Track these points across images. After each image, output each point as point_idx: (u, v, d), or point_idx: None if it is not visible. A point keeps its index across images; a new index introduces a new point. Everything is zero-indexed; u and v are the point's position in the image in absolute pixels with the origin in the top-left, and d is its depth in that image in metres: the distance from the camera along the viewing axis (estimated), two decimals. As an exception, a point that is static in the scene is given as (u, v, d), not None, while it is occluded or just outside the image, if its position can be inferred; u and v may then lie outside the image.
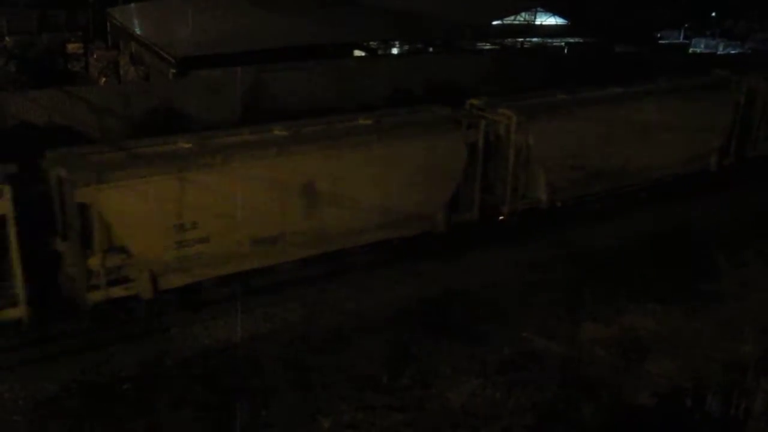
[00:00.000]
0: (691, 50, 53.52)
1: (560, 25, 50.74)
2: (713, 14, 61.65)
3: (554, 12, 50.19)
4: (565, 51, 44.76)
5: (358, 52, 40.05)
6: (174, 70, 31.67)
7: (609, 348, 16.78)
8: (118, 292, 16.23)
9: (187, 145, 16.98)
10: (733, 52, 55.63)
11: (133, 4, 49.19)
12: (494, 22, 47.95)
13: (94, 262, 15.74)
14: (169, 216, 16.13)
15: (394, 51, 43.56)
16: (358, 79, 31.29)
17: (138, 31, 40.46)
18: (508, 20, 48.65)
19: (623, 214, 24.17)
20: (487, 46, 44.56)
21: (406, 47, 43.63)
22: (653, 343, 17.08)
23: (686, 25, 58.78)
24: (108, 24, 48.35)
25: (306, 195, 17.83)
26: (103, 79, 39.28)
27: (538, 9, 49.61)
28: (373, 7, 47.02)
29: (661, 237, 22.71)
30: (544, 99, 22.95)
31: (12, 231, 14.70)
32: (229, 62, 29.43)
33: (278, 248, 17.85)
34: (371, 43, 41.79)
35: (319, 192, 17.93)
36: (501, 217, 21.79)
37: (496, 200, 21.51)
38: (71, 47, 44.90)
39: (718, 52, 55.17)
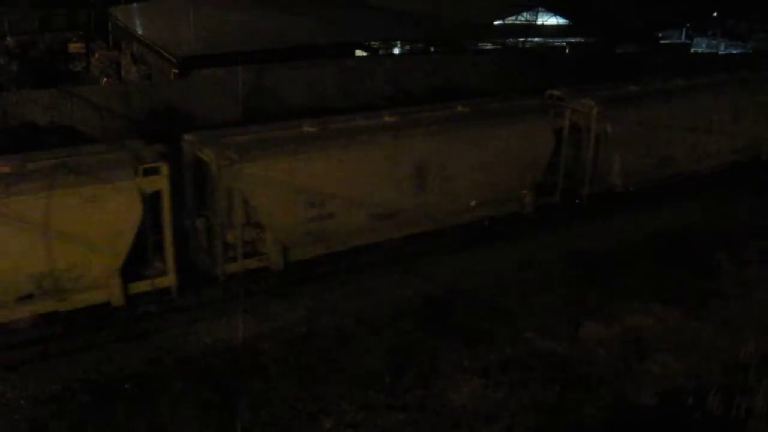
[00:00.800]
0: (692, 50, 53.47)
1: (562, 25, 50.73)
2: (715, 14, 61.60)
3: (556, 12, 50.17)
4: (567, 51, 44.73)
5: (359, 52, 40.05)
6: (175, 70, 31.69)
7: (610, 348, 16.78)
8: (252, 263, 17.71)
9: (311, 129, 18.48)
10: (734, 52, 55.59)
11: (134, 4, 49.23)
12: (496, 22, 47.95)
13: (232, 236, 17.12)
14: (301, 194, 17.57)
15: (396, 51, 43.57)
16: (360, 78, 31.29)
17: (139, 30, 40.48)
18: (510, 20, 48.64)
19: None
20: (489, 46, 44.56)
21: (408, 47, 43.62)
22: (654, 342, 17.11)
23: (688, 25, 58.73)
24: (109, 24, 48.37)
25: (417, 175, 19.36)
26: (105, 79, 39.27)
27: (540, 9, 49.60)
28: (375, 6, 47.02)
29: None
30: (618, 90, 24.58)
31: (167, 206, 16.11)
32: (231, 62, 29.41)
33: (392, 225, 19.51)
34: (373, 42, 41.78)
35: (428, 172, 19.49)
36: (577, 201, 23.22)
37: (575, 184, 23.04)
38: (73, 47, 44.90)
39: (720, 52, 55.13)
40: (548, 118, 21.73)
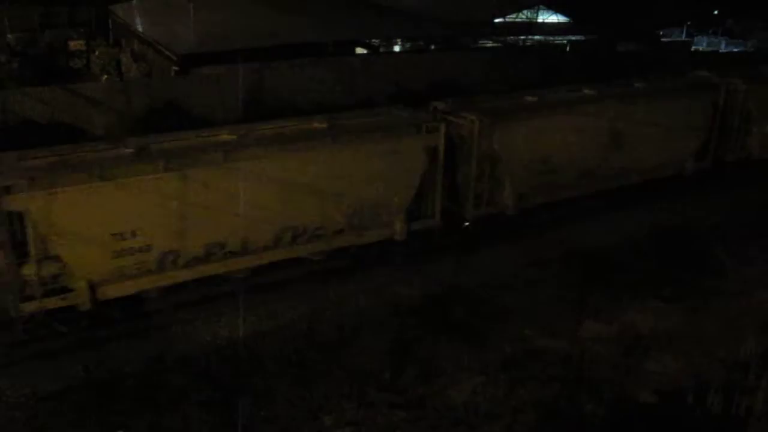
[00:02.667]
0: (693, 48, 53.43)
1: (562, 23, 50.71)
2: (715, 12, 61.57)
3: (556, 10, 50.14)
4: (567, 49, 44.69)
5: (360, 50, 40.05)
6: (176, 68, 31.69)
7: (610, 346, 16.78)
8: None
9: (532, 99, 22.61)
10: (735, 50, 55.55)
11: (135, 1, 49.18)
12: (496, 20, 47.92)
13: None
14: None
15: (397, 49, 43.56)
16: (361, 76, 31.30)
17: (140, 28, 40.47)
18: (510, 18, 48.60)
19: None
20: (489, 44, 44.56)
21: (408, 45, 43.62)
22: (654, 340, 17.11)
23: (688, 23, 58.68)
24: (110, 21, 48.38)
25: (612, 138, 23.32)
26: (105, 77, 39.28)
27: (540, 7, 49.58)
28: (376, 5, 47.00)
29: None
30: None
31: (440, 163, 19.50)
32: (231, 60, 29.44)
33: (593, 181, 23.32)
34: (373, 40, 41.78)
35: (620, 136, 23.44)
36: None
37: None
38: (73, 44, 44.88)
39: (720, 50, 55.10)
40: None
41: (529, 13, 49.22)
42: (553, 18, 50.56)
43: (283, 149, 17.55)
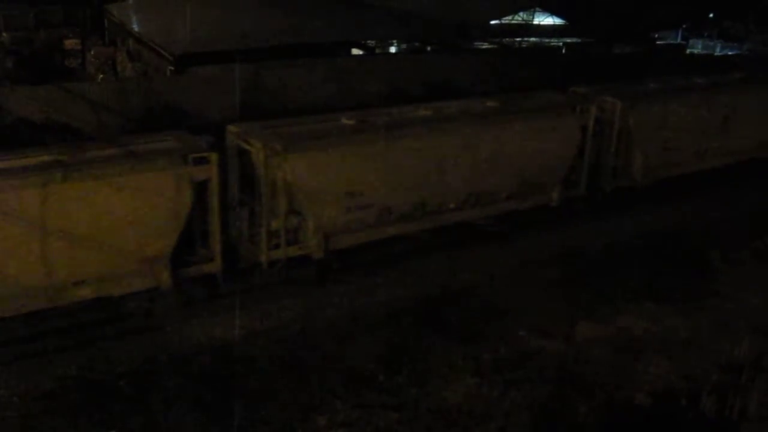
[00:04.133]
0: (688, 51, 53.51)
1: (558, 25, 50.72)
2: (711, 15, 61.69)
3: (552, 12, 50.16)
4: (563, 51, 44.73)
5: (356, 51, 40.01)
6: (172, 67, 31.64)
7: (604, 347, 16.80)
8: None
9: (656, 86, 25.92)
10: (730, 53, 55.65)
11: (130, 0, 49.08)
12: (492, 22, 47.94)
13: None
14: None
15: (392, 50, 43.54)
16: (356, 77, 31.28)
17: (136, 27, 40.39)
18: (506, 20, 48.62)
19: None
20: (485, 46, 44.55)
21: (404, 46, 43.61)
22: (648, 342, 17.14)
23: (684, 26, 58.75)
24: (105, 20, 48.23)
25: (722, 122, 26.06)
26: (101, 76, 39.15)
27: (536, 9, 49.60)
28: (372, 5, 46.98)
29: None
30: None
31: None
32: (227, 59, 29.39)
33: (703, 159, 26.02)
34: (369, 41, 41.76)
35: (728, 120, 26.14)
36: None
37: None
38: (68, 43, 44.74)
39: (716, 53, 55.20)
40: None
41: (525, 15, 49.25)
42: (549, 20, 50.57)
43: (474, 123, 20.46)
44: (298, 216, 18.05)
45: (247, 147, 17.71)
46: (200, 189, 16.63)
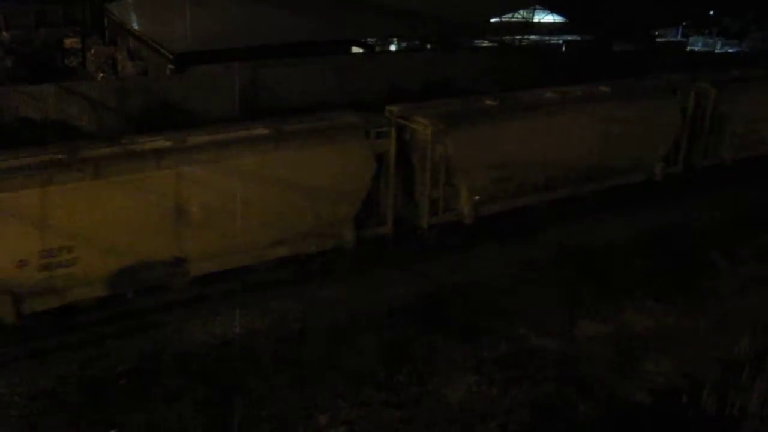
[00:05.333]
0: (688, 48, 53.48)
1: (558, 23, 50.71)
2: (711, 13, 61.69)
3: (552, 9, 50.14)
4: (563, 49, 44.71)
5: (355, 49, 40.01)
6: (172, 66, 31.62)
7: (605, 345, 16.80)
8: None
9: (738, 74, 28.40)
10: (730, 50, 55.63)
11: None
12: (492, 20, 47.91)
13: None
14: None
15: (392, 48, 43.53)
16: (356, 75, 31.24)
17: (136, 26, 40.39)
18: (506, 18, 48.60)
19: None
20: (485, 44, 44.53)
21: (404, 44, 43.61)
22: (649, 340, 17.13)
23: (684, 24, 58.74)
24: (105, 19, 48.25)
25: None
26: (101, 75, 39.17)
27: (536, 6, 49.57)
28: (371, 4, 46.97)
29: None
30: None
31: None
32: (227, 58, 29.38)
33: None
34: (369, 40, 41.74)
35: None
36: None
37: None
38: (68, 42, 44.79)
39: (716, 51, 55.18)
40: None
41: (525, 13, 49.22)
42: (549, 18, 50.56)
43: (594, 107, 23.08)
44: (453, 186, 20.42)
45: (411, 125, 19.97)
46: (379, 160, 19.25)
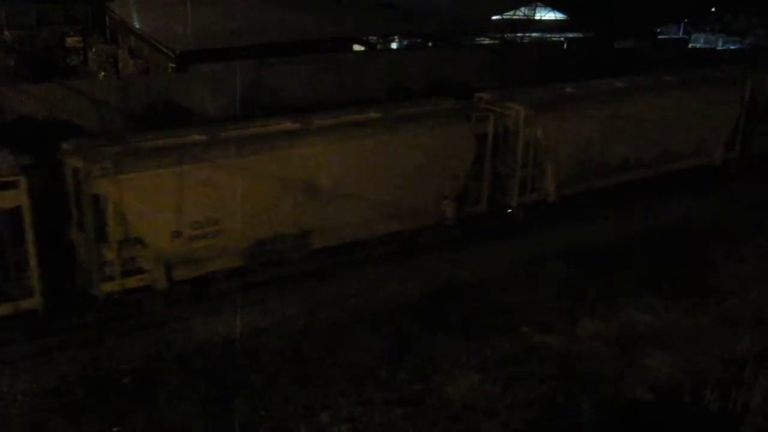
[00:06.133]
0: (690, 45, 53.41)
1: (559, 20, 50.68)
2: (713, 9, 61.59)
3: (554, 7, 50.10)
4: (565, 46, 44.66)
5: (357, 47, 39.97)
6: (173, 65, 31.61)
7: (607, 343, 16.80)
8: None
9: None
10: (732, 47, 55.54)
11: (132, -2, 49.05)
12: (493, 17, 47.89)
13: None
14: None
15: (394, 46, 43.48)
16: (358, 73, 31.25)
17: (137, 25, 40.36)
18: (508, 15, 48.57)
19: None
20: (486, 41, 44.49)
21: (406, 42, 43.55)
22: (651, 337, 17.13)
23: (686, 20, 58.67)
24: (107, 18, 48.23)
25: None
26: (102, 73, 39.17)
27: (538, 4, 49.55)
28: (373, 1, 46.94)
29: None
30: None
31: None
32: (229, 56, 29.37)
33: None
34: (371, 37, 41.69)
35: None
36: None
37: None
38: (70, 41, 44.75)
39: (718, 47, 55.09)
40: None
41: (526, 10, 49.19)
42: (550, 15, 50.54)
43: (662, 95, 25.07)
44: (539, 167, 21.95)
45: (504, 110, 21.38)
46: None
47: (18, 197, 14.92)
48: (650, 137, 24.61)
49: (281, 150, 17.60)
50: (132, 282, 16.50)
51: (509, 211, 22.14)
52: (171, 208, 16.23)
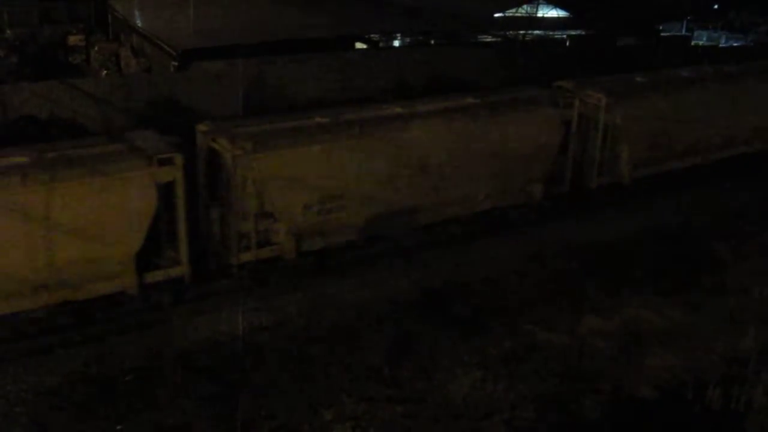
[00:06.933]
0: (693, 43, 53.30)
1: (562, 18, 50.56)
2: (715, 6, 61.48)
3: (556, 4, 50.00)
4: (567, 44, 44.60)
5: (359, 45, 39.94)
6: (175, 63, 31.62)
7: (610, 340, 16.79)
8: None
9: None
10: (735, 44, 55.43)
11: (134, -4, 49.04)
12: (496, 15, 47.83)
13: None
14: None
15: (396, 43, 43.44)
16: (361, 71, 31.25)
17: (139, 23, 40.37)
18: (510, 13, 48.49)
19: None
20: (489, 39, 44.43)
21: (408, 40, 43.51)
22: (654, 335, 17.12)
23: (688, 18, 58.53)
24: (109, 16, 48.22)
25: None
26: (105, 72, 39.16)
27: (540, 1, 49.44)
28: (375, -1, 46.93)
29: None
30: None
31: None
32: (231, 55, 29.37)
33: None
34: (373, 35, 41.66)
35: None
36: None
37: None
38: (72, 40, 44.71)
39: (721, 45, 54.98)
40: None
41: (528, 8, 49.08)
42: (552, 13, 50.39)
43: (727, 84, 26.80)
44: (614, 152, 23.59)
45: (585, 98, 22.93)
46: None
47: (173, 173, 16.30)
48: (715, 124, 26.18)
49: (396, 132, 19.33)
50: (265, 252, 18.12)
51: (586, 191, 23.86)
52: (303, 184, 17.92)
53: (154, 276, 16.74)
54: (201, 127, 18.08)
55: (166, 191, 16.36)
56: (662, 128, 24.69)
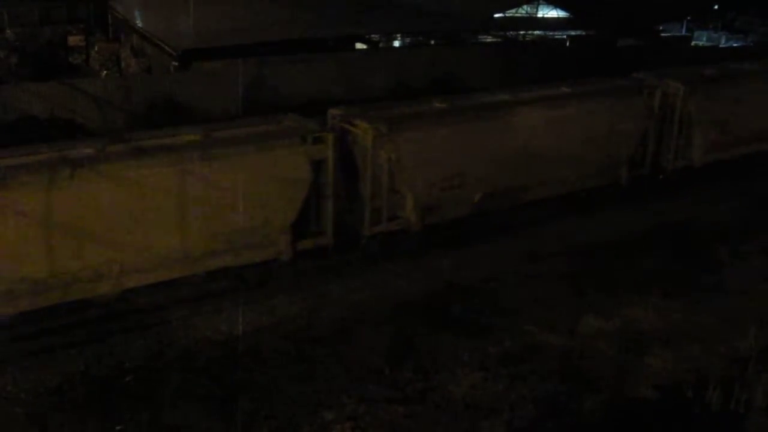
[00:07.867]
0: (693, 43, 53.28)
1: (562, 18, 50.55)
2: (716, 7, 61.43)
3: (556, 5, 50.00)
4: (567, 44, 44.61)
5: (359, 45, 39.94)
6: (175, 63, 31.64)
7: (610, 341, 16.78)
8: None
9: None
10: (735, 45, 55.41)
11: (134, -4, 49.02)
12: (496, 15, 47.83)
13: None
14: None
15: (396, 44, 43.44)
16: (360, 72, 31.26)
17: (139, 23, 40.37)
18: (510, 13, 48.50)
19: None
20: (489, 39, 44.44)
21: (408, 40, 43.51)
22: (654, 336, 17.12)
23: (688, 18, 58.49)
24: (109, 16, 48.22)
25: None
26: (105, 72, 39.19)
27: (540, 1, 49.44)
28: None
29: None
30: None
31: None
32: (231, 55, 29.40)
33: None
34: (373, 36, 41.66)
35: None
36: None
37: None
38: (72, 40, 44.72)
39: (721, 45, 54.96)
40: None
41: (528, 8, 49.08)
42: (552, 13, 50.39)
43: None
44: (686, 138, 25.20)
45: (664, 88, 24.41)
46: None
47: (325, 151, 18.09)
48: None
49: (506, 116, 21.26)
50: (394, 225, 19.84)
51: (662, 175, 25.52)
52: (431, 162, 19.69)
53: (304, 244, 18.38)
54: (334, 111, 19.82)
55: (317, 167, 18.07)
56: (731, 116, 26.19)
